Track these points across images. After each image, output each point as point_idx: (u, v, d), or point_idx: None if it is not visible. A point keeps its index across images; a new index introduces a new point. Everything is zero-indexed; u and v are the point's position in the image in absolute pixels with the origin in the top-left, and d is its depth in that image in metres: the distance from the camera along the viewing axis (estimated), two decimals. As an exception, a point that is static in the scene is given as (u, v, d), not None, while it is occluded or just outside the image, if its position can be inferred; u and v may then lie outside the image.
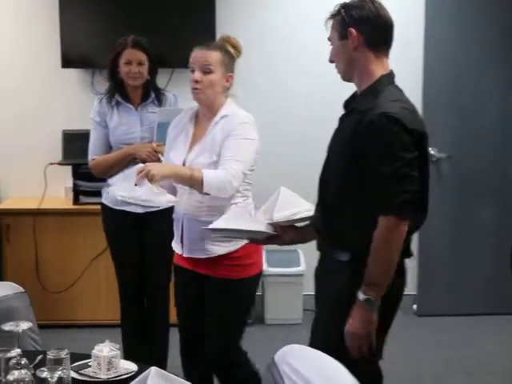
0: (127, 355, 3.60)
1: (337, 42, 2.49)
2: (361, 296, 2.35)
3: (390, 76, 2.49)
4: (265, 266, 5.23)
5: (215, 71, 3.00)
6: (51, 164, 5.08)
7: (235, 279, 3.07)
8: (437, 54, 5.26)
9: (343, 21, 2.45)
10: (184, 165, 3.02)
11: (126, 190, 2.92)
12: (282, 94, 5.41)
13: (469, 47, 5.29)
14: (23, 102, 5.32)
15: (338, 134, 2.53)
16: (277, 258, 5.27)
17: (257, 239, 2.74)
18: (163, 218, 3.64)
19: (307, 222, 2.71)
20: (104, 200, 3.93)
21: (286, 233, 2.69)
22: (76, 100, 5.27)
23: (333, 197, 2.47)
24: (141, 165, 2.94)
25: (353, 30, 2.43)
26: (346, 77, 2.53)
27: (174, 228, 3.17)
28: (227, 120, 3.01)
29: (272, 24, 5.38)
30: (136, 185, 2.83)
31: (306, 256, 5.26)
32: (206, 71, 2.99)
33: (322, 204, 2.56)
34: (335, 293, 2.47)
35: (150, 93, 3.84)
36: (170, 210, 3.37)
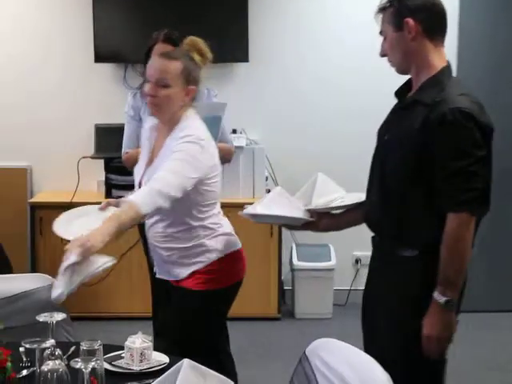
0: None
1: (392, 34, 2.42)
2: (440, 298, 2.29)
3: (450, 67, 2.45)
4: (295, 261, 5.23)
5: (173, 85, 2.73)
6: (84, 158, 5.10)
7: (202, 290, 2.85)
8: (471, 49, 5.20)
9: (398, 12, 2.39)
10: (141, 183, 2.82)
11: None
12: (314, 88, 5.40)
13: (505, 42, 5.22)
14: (57, 96, 5.36)
15: (399, 126, 2.44)
16: (307, 252, 5.26)
17: (293, 225, 2.72)
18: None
19: (343, 210, 2.69)
20: (136, 193, 3.91)
21: (321, 220, 2.67)
22: (108, 94, 5.30)
23: (395, 191, 2.40)
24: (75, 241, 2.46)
25: (410, 20, 2.37)
26: (402, 69, 2.47)
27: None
28: (177, 134, 2.73)
29: (306, 15, 5.37)
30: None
31: (337, 250, 5.25)
32: (162, 85, 2.72)
33: (378, 198, 2.48)
34: (406, 290, 2.39)
35: (184, 87, 3.84)
36: None
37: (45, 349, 2.06)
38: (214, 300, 2.89)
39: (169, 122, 2.80)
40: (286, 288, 5.43)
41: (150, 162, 2.84)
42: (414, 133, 2.34)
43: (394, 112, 2.54)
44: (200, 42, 2.85)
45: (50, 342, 2.07)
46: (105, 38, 5.19)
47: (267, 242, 5.06)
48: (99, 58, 5.20)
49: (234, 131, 5.08)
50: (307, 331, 4.82)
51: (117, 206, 2.70)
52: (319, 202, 2.63)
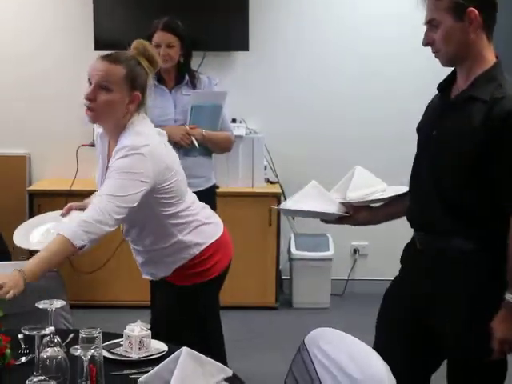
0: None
1: (450, 23, 2.30)
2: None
3: (500, 62, 2.37)
4: (293, 250, 5.24)
5: (114, 90, 2.53)
6: (83, 146, 5.10)
7: (193, 284, 2.81)
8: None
9: (460, 1, 2.28)
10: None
11: None
12: (315, 77, 5.39)
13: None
14: (56, 83, 5.35)
15: (453, 122, 2.35)
16: (305, 241, 5.27)
17: (328, 220, 2.68)
18: (198, 199, 3.68)
19: (382, 203, 2.65)
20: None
21: (358, 213, 2.62)
22: (108, 82, 5.28)
23: (451, 187, 2.33)
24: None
25: (473, 11, 2.27)
26: (453, 61, 2.37)
27: None
28: (116, 149, 2.58)
29: (307, 2, 5.35)
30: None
31: (335, 240, 5.26)
32: (103, 88, 2.54)
33: (429, 194, 2.39)
34: (468, 288, 2.32)
35: (184, 75, 3.83)
36: (206, 190, 3.55)
37: (44, 336, 2.06)
38: (201, 293, 2.83)
39: (114, 130, 2.63)
40: (283, 277, 5.44)
41: (107, 169, 2.63)
42: (474, 130, 2.26)
43: (442, 107, 2.42)
44: (148, 47, 2.68)
45: (50, 329, 2.06)
46: (105, 24, 5.17)
47: (265, 231, 5.06)
48: (99, 45, 5.16)
49: (234, 120, 5.07)
50: (305, 321, 4.83)
51: (79, 209, 2.74)
52: (354, 195, 2.59)
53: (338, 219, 2.64)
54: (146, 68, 2.63)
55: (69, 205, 2.72)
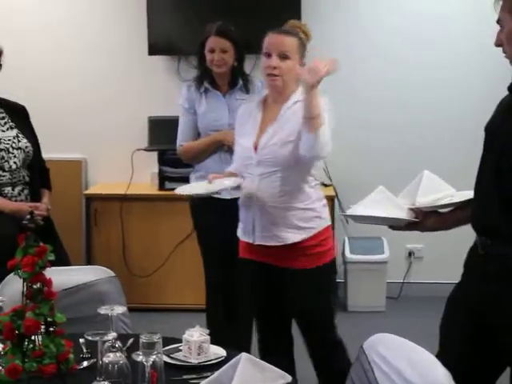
0: (212, 340, 3.64)
1: (511, 24, 2.26)
2: None
3: None
4: (347, 253, 5.22)
5: (292, 57, 2.97)
6: (138, 150, 5.16)
7: (311, 269, 3.04)
8: None
9: None
10: (256, 148, 3.01)
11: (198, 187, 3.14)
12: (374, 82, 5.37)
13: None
14: (110, 89, 5.41)
15: None
16: (360, 245, 5.25)
17: (397, 226, 2.66)
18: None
19: (450, 208, 2.62)
20: (191, 186, 3.94)
21: (427, 219, 2.59)
22: (162, 87, 5.33)
23: None
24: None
25: None
26: None
27: (242, 215, 3.14)
28: (300, 104, 2.93)
29: (359, 9, 5.33)
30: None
31: (390, 243, 5.22)
32: (283, 57, 2.96)
33: (492, 198, 2.35)
34: None
35: (238, 80, 3.84)
36: None
37: (105, 341, 2.09)
38: (331, 272, 3.14)
39: (282, 93, 3.02)
40: (338, 281, 5.41)
41: (262, 130, 3.03)
42: None
43: (511, 108, 2.37)
44: (302, 24, 3.11)
45: (112, 334, 2.09)
46: (159, 30, 5.22)
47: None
48: (153, 50, 5.23)
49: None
50: (360, 324, 4.80)
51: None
52: (424, 200, 2.56)
53: (407, 225, 2.62)
54: (305, 40, 3.05)
55: (212, 175, 3.08)
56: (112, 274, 2.91)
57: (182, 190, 3.21)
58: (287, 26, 3.10)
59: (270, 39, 3.02)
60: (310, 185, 3.04)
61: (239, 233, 3.17)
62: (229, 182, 3.05)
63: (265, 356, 3.25)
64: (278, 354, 3.23)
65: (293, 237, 3.01)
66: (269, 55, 2.98)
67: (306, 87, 2.78)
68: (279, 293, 3.16)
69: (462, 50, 5.24)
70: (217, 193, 3.12)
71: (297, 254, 3.03)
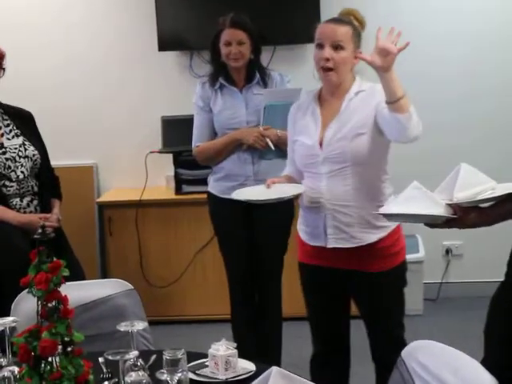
0: (240, 352, 3.65)
1: None
2: None
3: None
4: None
5: (346, 48, 2.95)
6: (151, 152, 5.17)
7: (389, 270, 3.05)
8: None
9: None
10: (321, 145, 2.99)
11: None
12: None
13: None
14: (119, 89, 5.44)
15: None
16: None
17: (434, 223, 2.65)
18: (274, 204, 3.69)
19: (492, 203, 2.60)
20: (211, 189, 3.97)
21: (467, 215, 2.57)
22: (174, 84, 5.34)
23: None
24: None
25: None
26: None
27: (308, 218, 3.09)
28: (367, 94, 2.99)
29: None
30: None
31: (426, 241, 5.20)
32: (337, 48, 2.95)
33: None
34: None
35: (255, 73, 3.84)
36: None
37: (127, 360, 2.10)
38: (405, 270, 3.15)
39: (339, 86, 3.02)
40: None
41: (325, 124, 3.02)
42: None
43: None
44: (356, 11, 3.07)
45: (134, 353, 2.09)
46: (168, 24, 5.23)
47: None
48: (163, 46, 5.24)
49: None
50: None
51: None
52: (462, 195, 2.54)
53: (446, 222, 2.59)
54: (359, 28, 3.03)
55: (271, 180, 3.09)
56: (130, 286, 2.92)
57: (239, 194, 3.18)
58: (340, 15, 3.08)
59: (322, 29, 3.01)
60: (382, 180, 3.04)
61: (304, 237, 3.13)
62: (291, 189, 3.02)
63: (322, 371, 3.26)
64: (335, 368, 3.28)
65: (369, 237, 3.00)
66: (321, 46, 2.97)
67: (380, 72, 2.76)
68: (353, 297, 3.19)
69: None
70: (278, 200, 3.04)
71: (374, 255, 3.03)
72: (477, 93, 5.28)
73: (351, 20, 3.02)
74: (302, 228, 3.15)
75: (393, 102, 2.76)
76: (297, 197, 3.09)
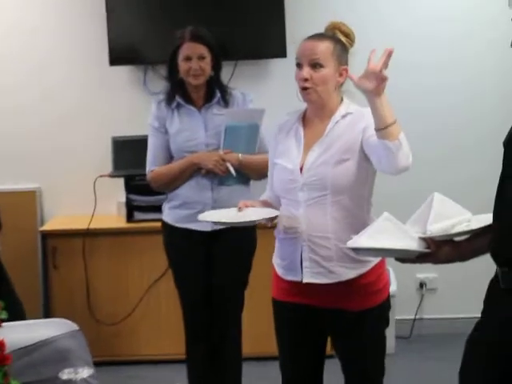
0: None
1: None
2: None
3: None
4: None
5: (326, 65, 2.96)
6: (101, 176, 5.11)
7: (370, 309, 3.01)
8: None
9: None
10: (301, 170, 2.97)
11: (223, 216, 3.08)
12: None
13: None
14: (66, 106, 5.35)
15: None
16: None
17: (406, 258, 2.61)
18: (237, 234, 3.66)
19: (468, 236, 2.58)
20: (165, 217, 3.94)
21: (441, 249, 2.54)
22: (127, 102, 5.30)
23: None
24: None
25: None
26: None
27: (284, 250, 3.06)
28: (354, 117, 2.98)
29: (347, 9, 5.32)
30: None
31: (398, 273, 5.19)
32: (316, 66, 2.95)
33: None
34: None
35: (215, 92, 3.83)
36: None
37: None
38: (387, 309, 3.13)
39: (323, 106, 3.02)
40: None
41: (307, 148, 3.01)
42: None
43: None
44: (342, 24, 3.07)
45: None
46: (120, 36, 5.19)
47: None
48: (115, 60, 5.19)
49: (273, 139, 5.06)
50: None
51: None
52: (435, 228, 2.51)
53: (418, 257, 2.56)
54: (346, 43, 3.04)
55: (243, 202, 3.06)
56: (75, 327, 2.87)
57: (207, 216, 3.18)
58: (325, 29, 3.09)
59: (301, 47, 3.03)
60: (365, 211, 3.01)
61: (279, 271, 3.10)
62: (264, 213, 3.01)
63: None
64: None
65: (349, 272, 2.96)
66: (300, 65, 2.99)
67: (369, 96, 2.72)
68: (331, 337, 3.14)
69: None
70: (249, 224, 3.07)
71: (354, 292, 2.99)
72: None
73: (335, 34, 3.03)
74: (277, 262, 3.11)
75: (382, 128, 2.73)
76: (271, 222, 3.04)
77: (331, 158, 2.92)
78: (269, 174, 3.18)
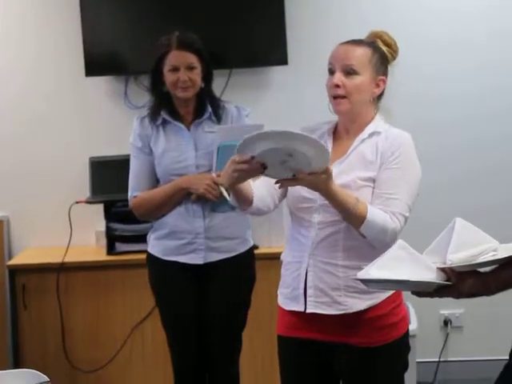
0: None
1: None
2: None
3: None
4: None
5: (362, 72, 3.01)
6: (77, 202, 5.13)
7: (381, 346, 3.04)
8: None
9: None
10: None
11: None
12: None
13: None
14: (37, 122, 5.40)
15: None
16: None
17: (423, 291, 2.59)
18: (231, 268, 3.70)
19: (494, 266, 2.57)
20: (151, 249, 3.96)
21: (463, 281, 2.51)
22: (106, 117, 5.35)
23: None
24: None
25: None
26: None
27: (288, 275, 3.11)
28: (381, 138, 3.03)
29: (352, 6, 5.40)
30: None
31: (419, 310, 5.21)
32: (350, 73, 3.01)
33: None
34: None
35: (206, 106, 3.86)
36: (241, 256, 3.61)
37: None
38: (405, 348, 3.17)
39: (354, 119, 3.08)
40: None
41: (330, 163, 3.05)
42: None
43: None
44: (385, 34, 3.13)
45: None
46: (98, 44, 5.23)
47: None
48: (91, 70, 5.23)
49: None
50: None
51: None
52: (456, 257, 2.50)
53: (437, 290, 2.57)
54: (387, 53, 3.09)
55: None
56: (45, 378, 2.86)
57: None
58: (366, 37, 3.14)
59: (334, 51, 3.08)
60: None
61: (281, 300, 3.15)
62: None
63: None
64: None
65: (357, 303, 3.01)
66: (332, 71, 3.04)
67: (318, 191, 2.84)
68: (342, 378, 3.16)
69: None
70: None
71: (361, 326, 3.02)
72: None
73: (374, 41, 3.09)
74: (280, 291, 3.16)
75: (347, 217, 2.87)
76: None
77: (352, 181, 2.98)
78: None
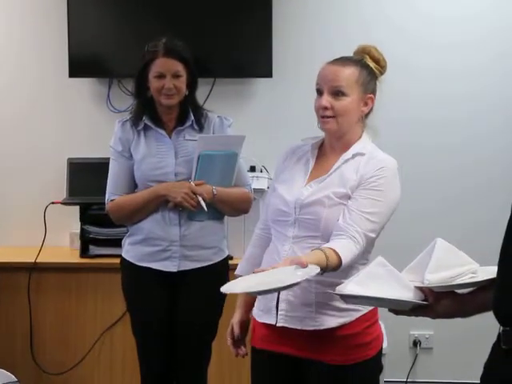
0: None
1: None
2: None
3: None
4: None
5: (350, 93, 3.02)
6: (53, 203, 5.11)
7: (353, 364, 3.02)
8: None
9: None
10: (298, 201, 3.03)
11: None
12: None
13: None
14: (16, 121, 5.41)
15: None
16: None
17: (399, 310, 2.62)
18: (204, 277, 3.70)
19: (472, 289, 2.59)
20: (125, 254, 3.95)
21: (439, 302, 2.55)
22: (86, 119, 5.36)
23: None
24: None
25: None
26: None
27: None
28: (363, 160, 3.03)
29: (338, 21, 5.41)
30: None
31: (389, 329, 5.20)
32: (338, 94, 3.02)
33: None
34: None
35: (189, 114, 3.86)
36: (215, 266, 3.66)
37: None
38: (375, 369, 3.14)
39: (341, 138, 3.10)
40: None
41: (311, 179, 3.09)
42: None
43: None
44: (373, 49, 3.14)
45: None
46: (83, 45, 5.23)
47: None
48: (75, 71, 5.23)
49: (253, 169, 5.09)
50: None
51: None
52: (434, 277, 2.52)
53: (414, 309, 2.58)
54: (375, 69, 3.11)
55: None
56: (13, 378, 2.87)
57: (233, 286, 2.79)
58: (354, 52, 3.15)
59: (322, 72, 3.08)
60: (363, 257, 3.03)
61: (254, 312, 3.16)
62: (304, 272, 2.71)
63: None
64: None
65: (329, 320, 3.00)
66: (320, 92, 3.06)
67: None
68: None
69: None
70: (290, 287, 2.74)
71: (332, 344, 3.01)
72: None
73: (362, 59, 3.10)
74: (256, 303, 3.17)
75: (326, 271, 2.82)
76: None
77: (327, 199, 2.98)
78: (266, 200, 3.25)
